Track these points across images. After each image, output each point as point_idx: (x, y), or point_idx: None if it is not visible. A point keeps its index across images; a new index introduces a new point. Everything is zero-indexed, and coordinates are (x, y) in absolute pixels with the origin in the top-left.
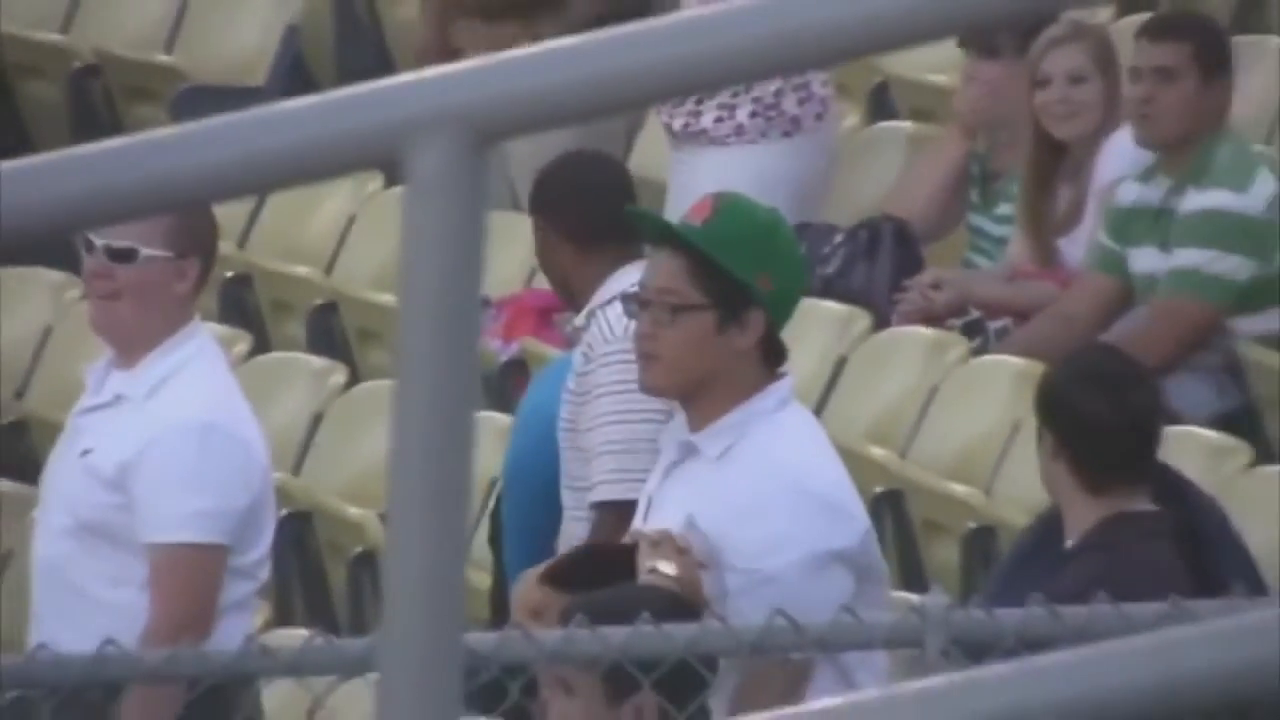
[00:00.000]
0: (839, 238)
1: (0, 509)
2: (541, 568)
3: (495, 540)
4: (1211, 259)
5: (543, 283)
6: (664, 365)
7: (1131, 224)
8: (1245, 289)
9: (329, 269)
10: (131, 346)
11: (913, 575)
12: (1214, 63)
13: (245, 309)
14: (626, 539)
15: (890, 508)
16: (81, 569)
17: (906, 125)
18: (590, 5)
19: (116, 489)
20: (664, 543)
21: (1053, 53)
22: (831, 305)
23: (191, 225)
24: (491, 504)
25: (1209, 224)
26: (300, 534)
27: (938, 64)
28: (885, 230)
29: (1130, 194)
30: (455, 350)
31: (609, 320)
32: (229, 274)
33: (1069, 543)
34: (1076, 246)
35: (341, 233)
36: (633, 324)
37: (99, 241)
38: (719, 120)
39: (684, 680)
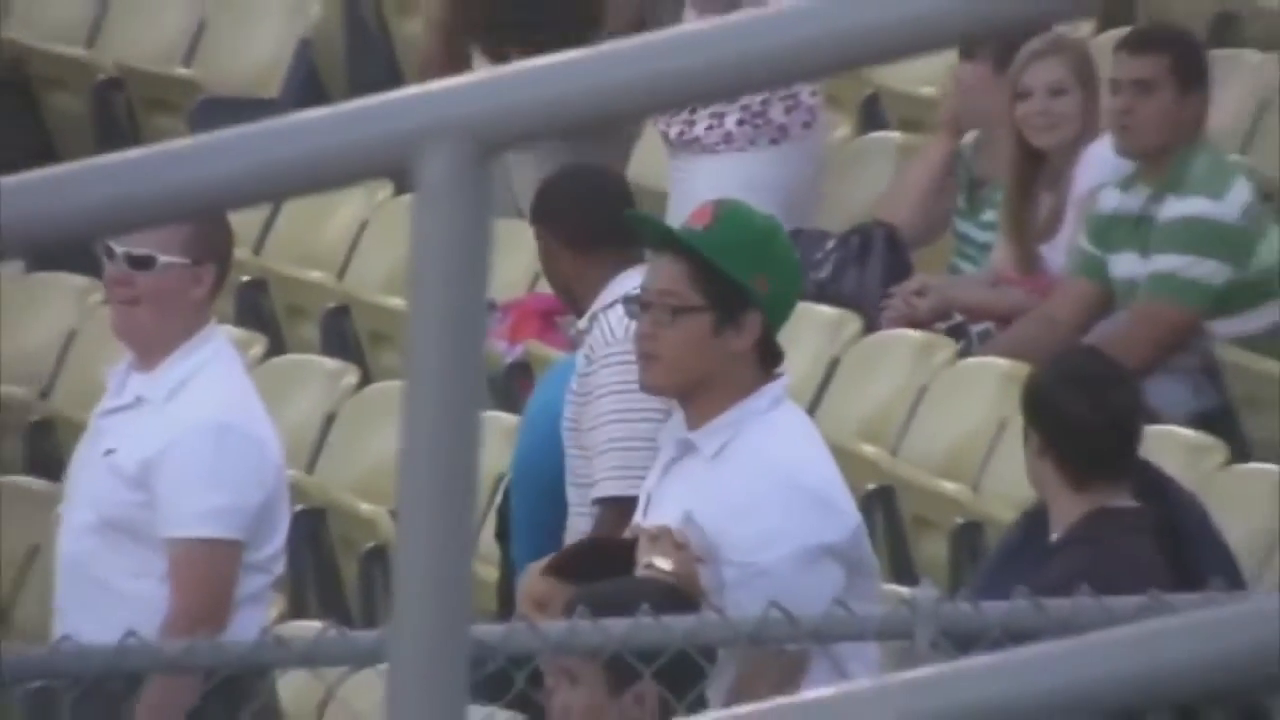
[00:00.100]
0: (831, 243)
1: (27, 505)
2: (545, 561)
3: (502, 535)
4: (1189, 264)
5: (546, 287)
6: (663, 365)
7: (1112, 230)
8: (1222, 293)
9: (341, 274)
10: (151, 350)
11: (903, 569)
12: (1191, 75)
13: (261, 312)
14: (626, 534)
15: (881, 504)
16: (104, 563)
17: (896, 135)
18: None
19: (139, 487)
20: (662, 538)
21: (1033, 66)
22: (824, 309)
23: (208, 233)
24: (498, 500)
25: (1187, 231)
26: (314, 529)
27: (927, 76)
28: (876, 236)
29: (1111, 201)
30: (462, 352)
31: (610, 323)
32: (245, 279)
33: (1054, 537)
34: (1057, 253)
35: (353, 239)
36: (633, 326)
37: (119, 249)
38: (709, 128)
39: (683, 670)
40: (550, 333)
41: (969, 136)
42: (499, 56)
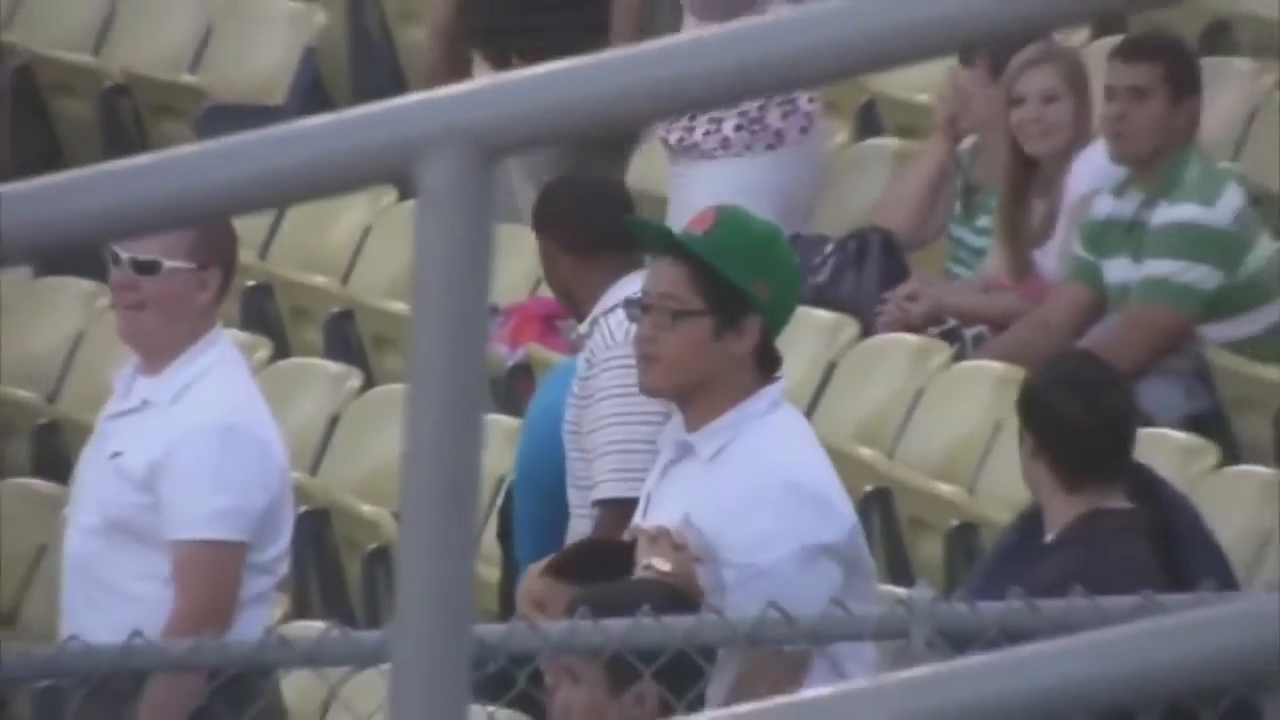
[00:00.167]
0: (829, 248)
1: (34, 506)
2: (544, 562)
3: (503, 536)
4: (1181, 269)
5: (547, 291)
6: (663, 367)
7: (1105, 236)
8: (1213, 297)
9: (345, 278)
10: (157, 354)
11: (899, 570)
12: (1184, 83)
13: (266, 316)
14: (626, 535)
15: (878, 506)
16: (110, 564)
17: (892, 142)
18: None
19: (145, 489)
20: (660, 538)
21: (1027, 74)
22: (821, 313)
23: (212, 238)
24: (500, 501)
25: (1179, 236)
26: (318, 530)
27: (923, 83)
28: (873, 241)
29: (1104, 207)
30: (464, 355)
31: (610, 327)
32: (250, 283)
33: (1048, 538)
34: (1049, 258)
35: (357, 244)
36: (633, 329)
37: (125, 255)
38: (707, 133)
39: (683, 670)
40: (551, 336)
41: (967, 142)
42: (501, 63)
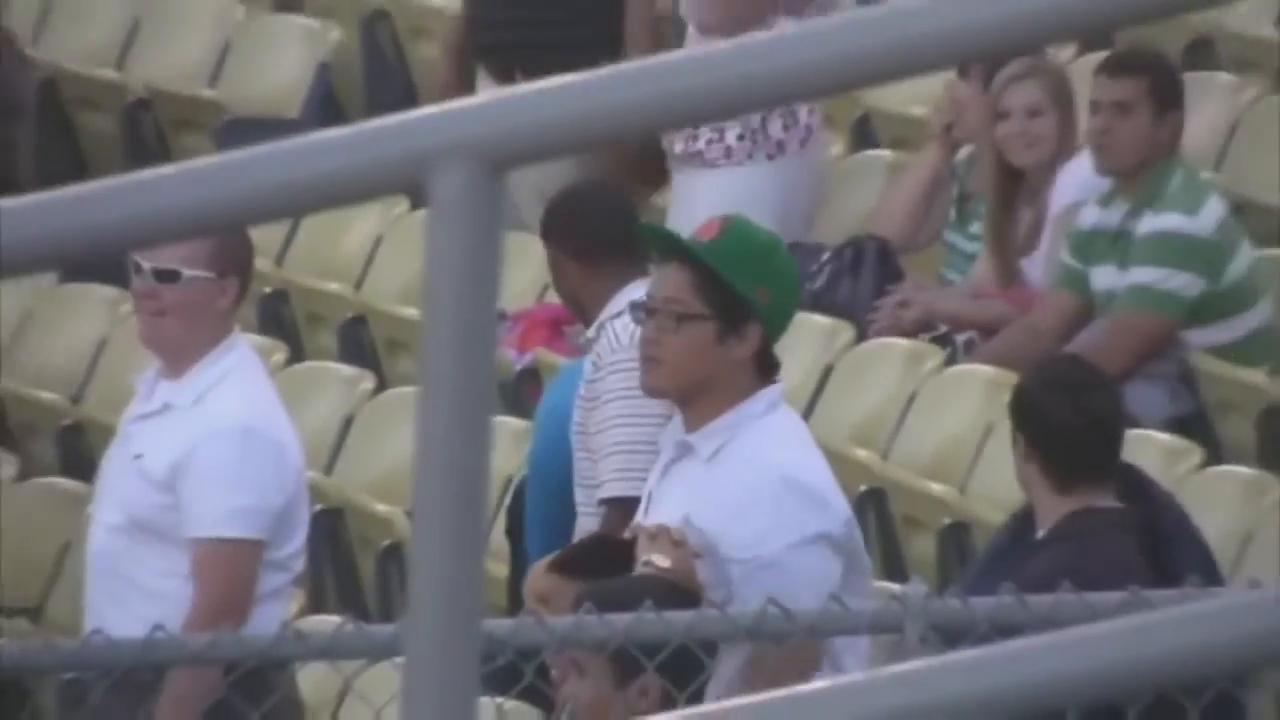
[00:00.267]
0: (826, 255)
1: (59, 505)
2: (550, 558)
3: (511, 533)
4: (1165, 276)
5: (553, 297)
6: (666, 369)
7: (1092, 245)
8: (1196, 304)
9: (359, 285)
10: (178, 359)
11: (894, 567)
12: (1167, 97)
13: (282, 322)
14: (626, 533)
15: (873, 505)
16: (133, 561)
17: (886, 154)
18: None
19: (166, 489)
20: (660, 536)
21: (1012, 88)
22: (818, 318)
23: (230, 247)
24: (508, 499)
25: (1163, 245)
26: (333, 528)
27: (916, 97)
28: (868, 249)
29: (1091, 217)
30: (474, 359)
31: (616, 331)
32: (267, 290)
33: (1039, 535)
34: (1035, 266)
35: (370, 252)
36: (638, 334)
37: (146, 264)
38: (710, 143)
39: (685, 663)
40: (558, 341)
41: (963, 152)
42: (505, 78)
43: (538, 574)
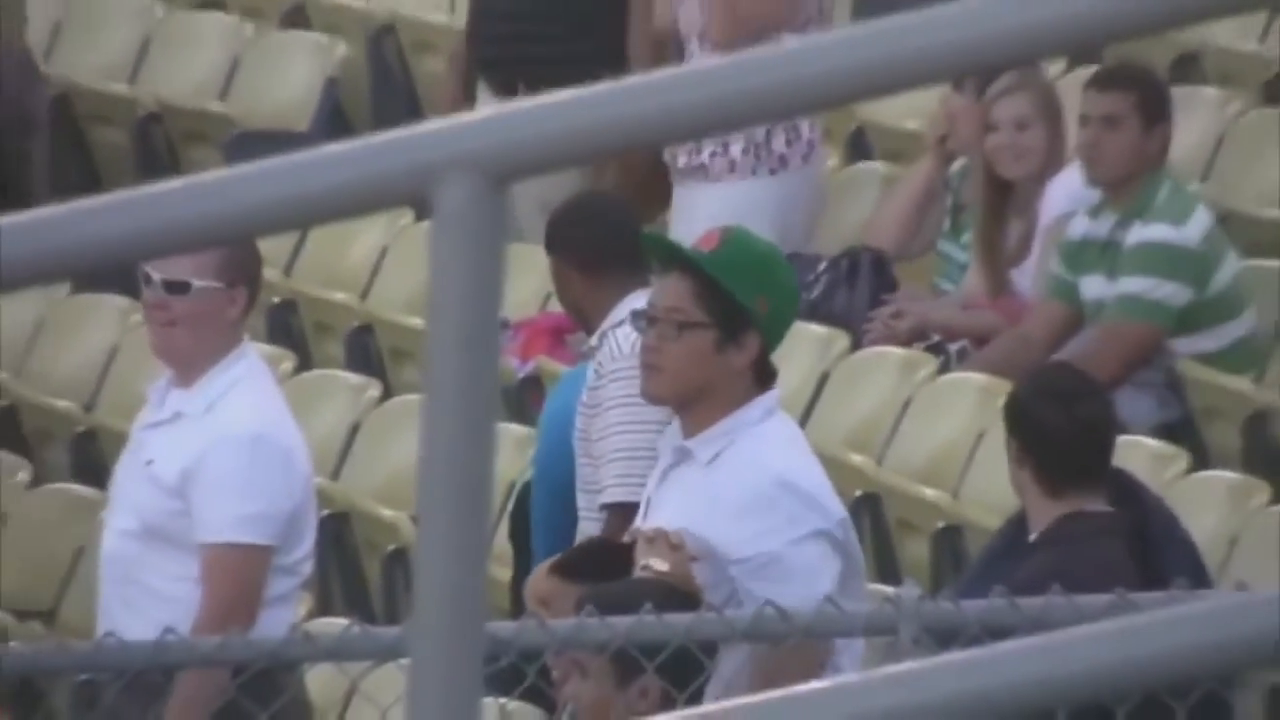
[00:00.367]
0: (822, 266)
1: (72, 510)
2: (550, 561)
3: (515, 537)
4: (1153, 286)
5: (555, 306)
6: (666, 376)
7: (1082, 255)
8: (1183, 313)
9: (365, 295)
10: (189, 368)
11: (888, 570)
12: (1155, 110)
13: (290, 331)
14: (626, 537)
15: (868, 509)
16: (145, 566)
17: (880, 166)
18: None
19: (177, 496)
20: (658, 540)
21: (1001, 101)
22: (815, 327)
23: (239, 258)
24: (511, 504)
25: (1151, 255)
26: (339, 533)
27: (910, 111)
28: (864, 259)
29: (1080, 228)
30: (477, 367)
31: (618, 340)
32: (275, 300)
33: (1031, 538)
34: (1025, 277)
35: (376, 262)
36: (639, 342)
37: (157, 275)
38: (714, 156)
39: (684, 665)
40: (559, 349)
41: (958, 163)
42: (507, 91)
43: (538, 577)
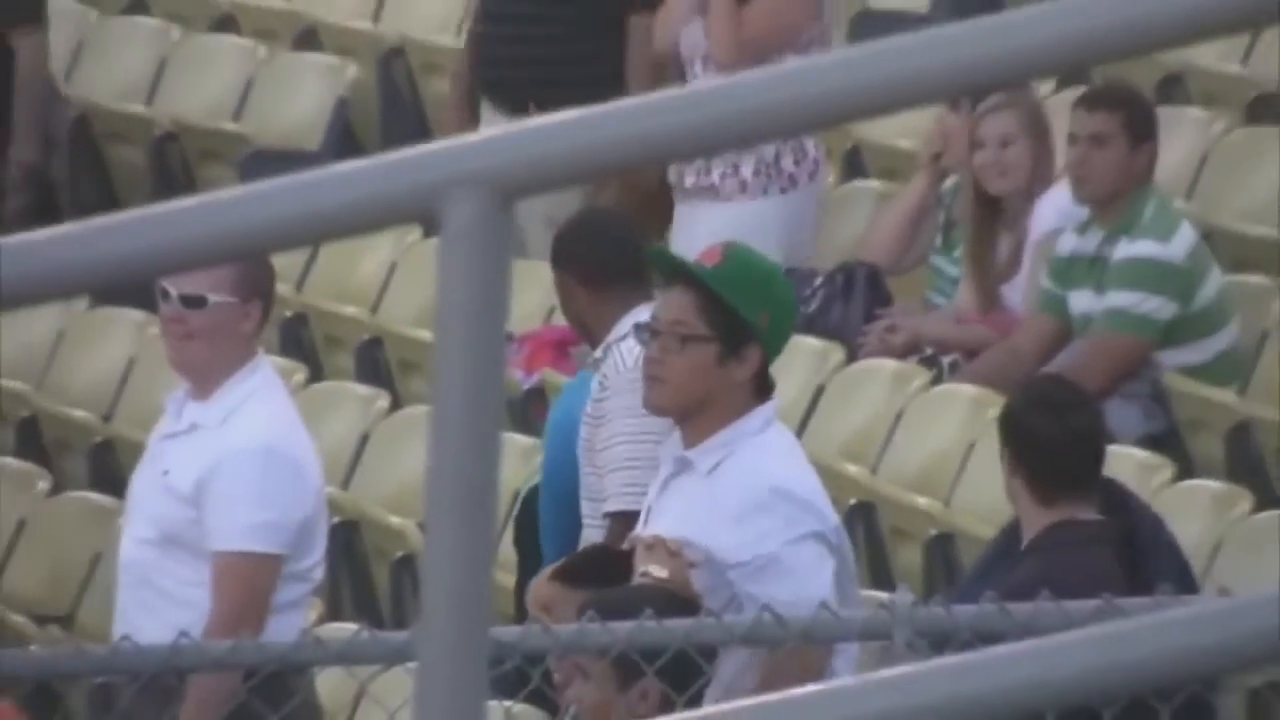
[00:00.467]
0: (818, 280)
1: (90, 518)
2: (552, 567)
3: (519, 543)
4: (1140, 300)
5: (559, 320)
6: (669, 388)
7: (1070, 270)
8: (1169, 327)
9: (375, 309)
10: (205, 380)
11: (882, 577)
12: (1141, 130)
13: (302, 344)
14: (625, 544)
15: (862, 518)
16: (161, 571)
17: (876, 184)
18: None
19: (192, 505)
20: (657, 546)
21: (987, 119)
22: (811, 340)
23: (253, 273)
24: (516, 510)
25: (1137, 270)
26: (349, 540)
27: (904, 130)
28: (859, 274)
29: (1069, 244)
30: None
31: (622, 353)
32: (288, 314)
33: (1023, 546)
34: (1015, 292)
35: (385, 277)
36: (642, 355)
37: (173, 291)
38: (724, 176)
39: (684, 668)
40: (563, 362)
41: (950, 180)
42: (518, 111)
43: (541, 583)
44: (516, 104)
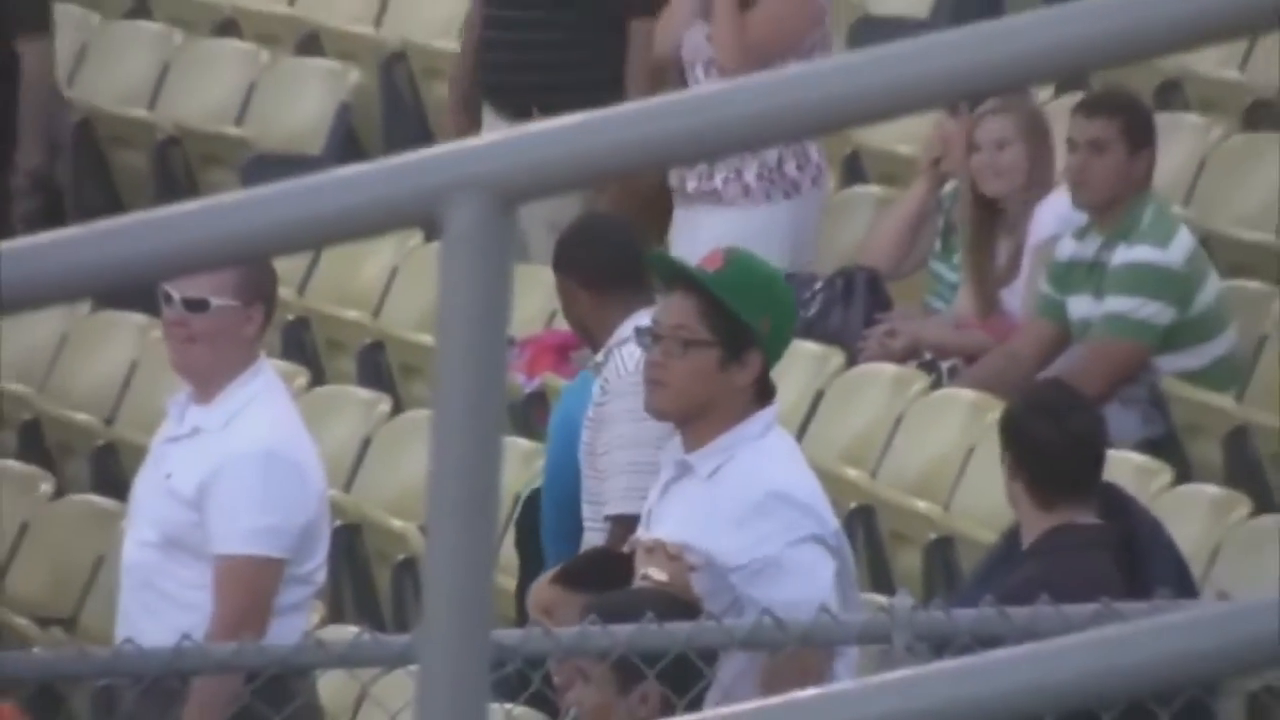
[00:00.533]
0: (818, 284)
1: (93, 521)
2: (553, 571)
3: (520, 545)
4: (1138, 306)
5: (560, 324)
6: (671, 392)
7: (1069, 275)
8: (1167, 332)
9: (376, 313)
10: (207, 384)
11: (882, 580)
12: (1139, 136)
13: (304, 347)
14: (625, 547)
15: (862, 521)
16: (163, 574)
17: (875, 189)
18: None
19: (194, 508)
20: (657, 550)
21: (983, 122)
22: (811, 345)
23: (256, 277)
24: (516, 513)
25: (1136, 275)
26: (351, 543)
27: (903, 136)
28: (859, 278)
29: (1068, 249)
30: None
31: (623, 358)
32: (290, 317)
33: (1023, 549)
34: (1014, 297)
35: (387, 281)
36: (643, 359)
37: (176, 294)
38: (727, 182)
39: (684, 671)
40: (564, 366)
41: (949, 185)
42: (521, 115)
43: (541, 586)
44: (518, 109)
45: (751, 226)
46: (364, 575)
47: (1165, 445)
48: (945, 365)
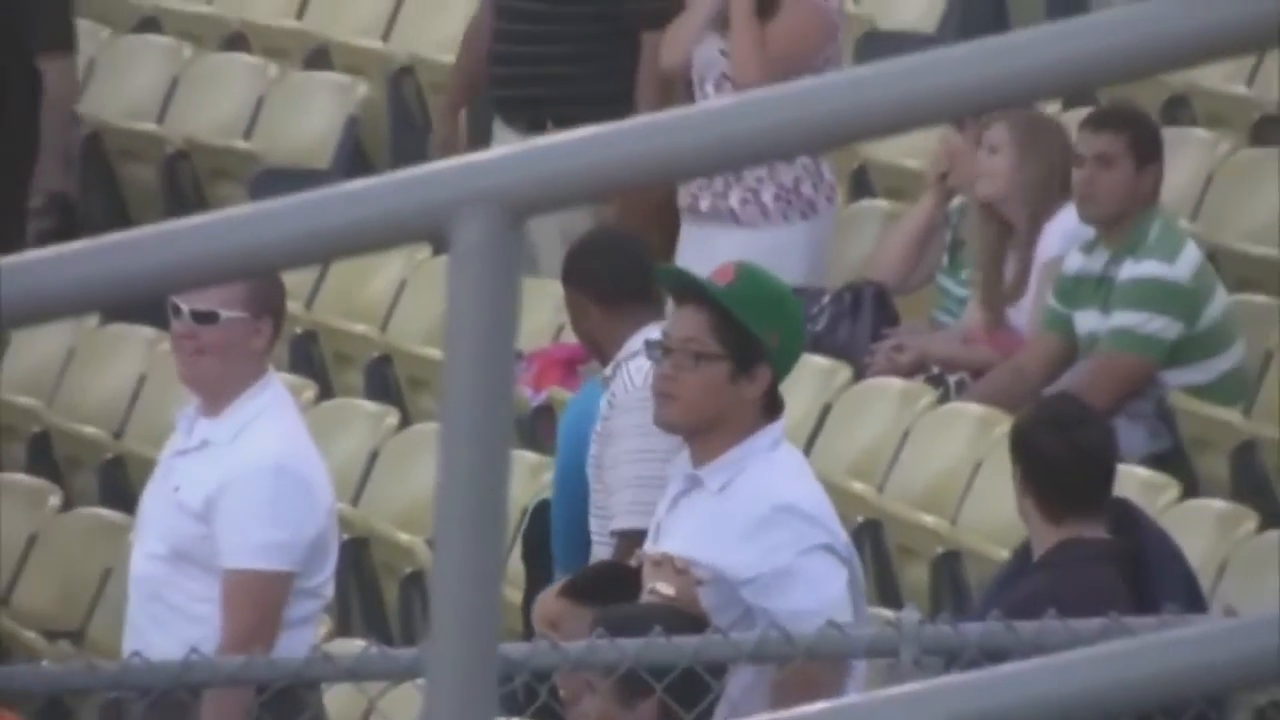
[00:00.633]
0: (826, 299)
1: (101, 533)
2: (559, 584)
3: (527, 559)
4: (1145, 320)
5: (568, 338)
6: (681, 405)
7: (1076, 290)
8: (1174, 346)
9: (384, 326)
10: (216, 397)
11: (889, 594)
12: (1147, 150)
13: (312, 361)
14: (632, 561)
15: (869, 536)
16: (172, 587)
17: (883, 203)
18: None
19: (202, 521)
20: (664, 564)
21: (986, 127)
22: (819, 359)
23: (264, 290)
24: (524, 526)
25: (1142, 290)
26: (358, 556)
27: (911, 150)
28: (866, 293)
29: (1075, 264)
30: (492, 397)
31: (631, 372)
32: (298, 331)
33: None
34: (1022, 314)
35: (395, 295)
36: (651, 375)
37: (185, 306)
38: (745, 203)
39: (692, 685)
40: (571, 379)
41: (957, 200)
42: (535, 128)
43: (548, 599)
44: (530, 122)
45: (769, 247)
46: (371, 588)
47: (1172, 460)
48: (953, 379)
